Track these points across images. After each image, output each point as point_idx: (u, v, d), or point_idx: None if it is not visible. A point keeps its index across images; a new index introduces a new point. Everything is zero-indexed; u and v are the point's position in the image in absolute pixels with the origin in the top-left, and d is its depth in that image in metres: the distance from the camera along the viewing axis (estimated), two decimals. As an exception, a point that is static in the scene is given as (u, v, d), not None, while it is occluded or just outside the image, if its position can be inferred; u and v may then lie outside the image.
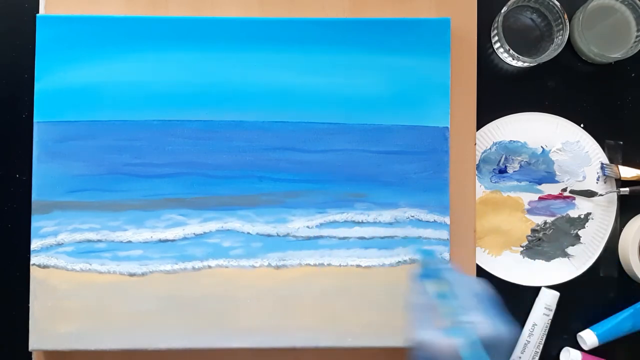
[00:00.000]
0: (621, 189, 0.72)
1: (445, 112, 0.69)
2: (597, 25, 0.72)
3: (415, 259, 0.63)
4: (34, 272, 0.67)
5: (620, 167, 0.72)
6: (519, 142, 0.72)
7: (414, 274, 0.58)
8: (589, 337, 0.71)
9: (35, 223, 0.67)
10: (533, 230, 0.73)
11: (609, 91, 0.74)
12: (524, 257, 0.73)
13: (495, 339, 0.50)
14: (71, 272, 0.67)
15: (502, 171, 0.73)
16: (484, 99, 0.72)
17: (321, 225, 0.69)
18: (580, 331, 0.72)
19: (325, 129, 0.69)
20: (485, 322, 0.50)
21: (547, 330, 0.72)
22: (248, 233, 0.68)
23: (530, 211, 0.73)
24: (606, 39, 0.71)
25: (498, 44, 0.71)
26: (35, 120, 0.67)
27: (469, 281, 0.55)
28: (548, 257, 0.73)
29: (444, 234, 0.68)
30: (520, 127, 0.72)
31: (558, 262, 0.73)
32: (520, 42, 0.72)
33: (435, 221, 0.69)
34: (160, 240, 0.68)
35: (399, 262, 0.68)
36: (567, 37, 0.69)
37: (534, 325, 0.71)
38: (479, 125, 0.72)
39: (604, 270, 0.73)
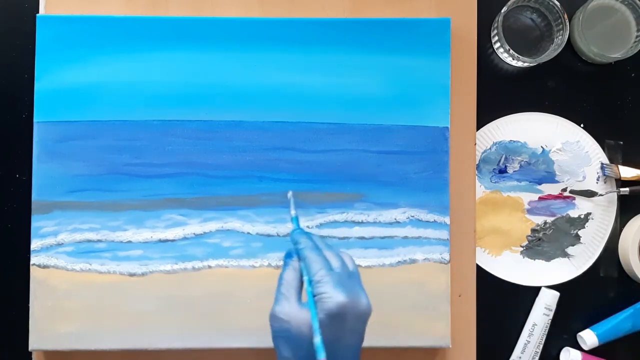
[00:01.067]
0: (621, 189, 0.72)
1: (445, 112, 0.69)
2: (597, 25, 0.72)
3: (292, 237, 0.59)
4: (34, 272, 0.67)
5: (620, 167, 0.72)
6: (519, 142, 0.72)
7: (287, 250, 0.57)
8: (589, 337, 0.71)
9: (35, 223, 0.67)
10: (533, 230, 0.73)
11: (609, 91, 0.74)
12: (524, 257, 0.73)
13: (341, 310, 0.50)
14: (71, 272, 0.67)
15: (502, 171, 0.73)
16: (484, 99, 0.72)
17: (321, 225, 0.69)
18: (580, 331, 0.72)
19: (325, 129, 0.69)
20: (334, 295, 0.50)
21: (547, 330, 0.72)
22: (248, 233, 0.68)
23: (530, 211, 0.73)
24: (606, 39, 0.71)
25: (498, 44, 0.71)
26: (35, 120, 0.67)
27: (333, 255, 0.55)
28: (548, 257, 0.73)
29: (444, 234, 0.68)
30: (520, 127, 0.72)
31: (558, 262, 0.73)
32: (520, 42, 0.72)
33: (435, 221, 0.69)
34: (160, 240, 0.68)
35: (399, 262, 0.68)
36: (567, 37, 0.69)
37: (534, 325, 0.71)
38: (479, 125, 0.72)
39: (604, 270, 0.73)
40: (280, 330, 0.51)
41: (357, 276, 0.55)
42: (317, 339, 0.49)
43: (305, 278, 0.53)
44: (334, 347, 0.50)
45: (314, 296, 0.51)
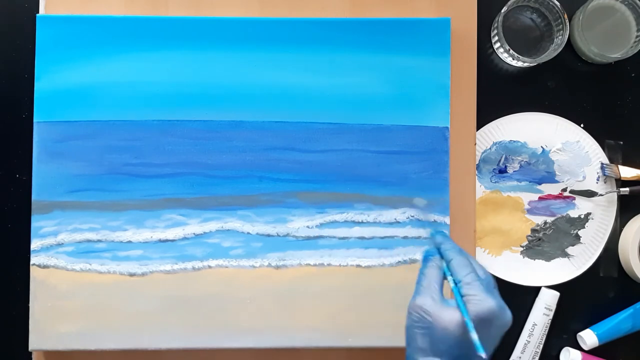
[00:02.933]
0: (621, 189, 0.72)
1: (445, 112, 0.69)
2: (597, 25, 0.72)
3: (428, 237, 0.63)
4: (34, 272, 0.67)
5: (620, 167, 0.72)
6: (519, 142, 0.72)
7: (426, 249, 0.59)
8: (589, 337, 0.71)
9: (35, 223, 0.67)
10: (533, 230, 0.73)
11: (609, 91, 0.74)
12: (524, 257, 0.73)
13: (491, 316, 0.51)
14: (71, 272, 0.67)
15: (502, 171, 0.73)
16: (484, 99, 0.72)
17: (321, 225, 0.69)
18: (580, 331, 0.72)
19: (325, 129, 0.69)
20: (485, 299, 0.52)
21: (547, 330, 0.72)
22: (248, 233, 0.68)
23: (530, 211, 0.73)
24: (606, 39, 0.71)
25: (498, 44, 0.71)
26: (35, 120, 0.67)
27: (476, 264, 0.57)
28: (548, 257, 0.73)
29: (444, 234, 0.68)
30: (520, 127, 0.72)
31: (558, 262, 0.73)
32: (520, 42, 0.72)
33: (435, 221, 0.69)
34: (160, 240, 0.68)
35: (399, 262, 0.68)
36: (567, 37, 0.69)
37: (534, 325, 0.71)
38: (479, 125, 0.72)
39: (604, 270, 0.73)
40: (420, 322, 0.53)
41: (493, 282, 0.56)
42: (475, 336, 0.50)
43: (450, 278, 0.55)
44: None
45: (462, 296, 0.52)
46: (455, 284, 0.54)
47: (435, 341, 0.52)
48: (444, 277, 0.56)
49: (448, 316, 0.52)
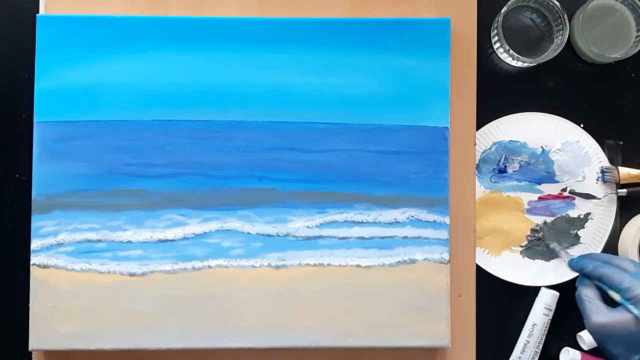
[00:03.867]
0: (619, 190, 0.72)
1: (445, 112, 0.69)
2: (597, 25, 0.72)
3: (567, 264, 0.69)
4: (34, 272, 0.67)
5: (620, 167, 0.72)
6: (518, 142, 0.72)
7: (578, 279, 0.67)
8: (588, 337, 0.71)
9: (35, 223, 0.67)
10: (533, 230, 0.73)
11: (609, 91, 0.74)
12: (523, 257, 0.73)
13: None
14: (71, 272, 0.67)
15: (502, 171, 0.73)
16: (484, 99, 0.72)
17: (321, 225, 0.69)
18: (579, 331, 0.72)
19: (325, 129, 0.69)
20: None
21: (546, 330, 0.72)
22: (248, 233, 0.68)
23: (530, 211, 0.73)
24: (606, 39, 0.71)
25: (498, 44, 0.71)
26: (35, 120, 0.67)
27: (622, 261, 0.63)
28: (548, 257, 0.73)
29: (443, 234, 0.68)
30: (520, 127, 0.72)
31: (558, 262, 0.73)
32: (520, 42, 0.72)
33: (435, 221, 0.69)
34: (160, 240, 0.68)
35: (399, 262, 0.68)
36: (567, 37, 0.69)
37: (534, 325, 0.71)
38: (479, 125, 0.72)
39: (603, 270, 0.73)
40: (605, 336, 0.61)
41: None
42: None
43: (610, 292, 0.62)
44: None
45: (629, 300, 0.60)
46: (617, 292, 0.61)
47: (626, 343, 0.60)
48: (600, 291, 0.63)
49: (623, 320, 0.60)
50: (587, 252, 0.72)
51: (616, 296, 0.61)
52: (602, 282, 0.63)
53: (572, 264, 0.68)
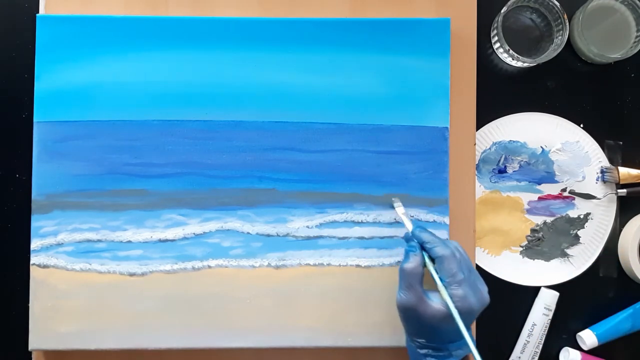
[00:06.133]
0: (619, 191, 0.72)
1: (445, 112, 0.69)
2: (597, 25, 0.72)
3: (407, 234, 0.65)
4: (34, 272, 0.67)
5: (620, 168, 0.72)
6: (518, 142, 0.72)
7: (409, 244, 0.63)
8: (588, 337, 0.71)
9: (35, 223, 0.67)
10: (532, 230, 0.73)
11: (609, 91, 0.74)
12: (523, 257, 0.73)
13: (474, 309, 0.59)
14: (71, 272, 0.67)
15: (502, 171, 0.73)
16: (484, 99, 0.72)
17: (321, 225, 0.69)
18: (579, 331, 0.72)
19: (325, 129, 0.69)
20: (469, 297, 0.59)
21: (546, 330, 0.72)
22: (248, 233, 0.68)
23: (529, 211, 0.73)
24: (606, 39, 0.71)
25: (498, 44, 0.71)
26: (35, 120, 0.67)
27: (459, 253, 0.61)
28: (547, 257, 0.73)
29: (443, 234, 0.68)
30: (520, 127, 0.72)
31: (557, 262, 0.73)
32: (520, 42, 0.72)
33: (435, 221, 0.69)
34: (160, 240, 0.68)
35: (399, 262, 0.68)
36: (567, 37, 0.69)
37: (534, 325, 0.71)
38: (479, 125, 0.72)
39: (603, 270, 0.73)
40: (408, 317, 0.60)
41: (470, 264, 0.62)
42: (467, 334, 0.57)
43: (436, 277, 0.60)
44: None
45: (449, 295, 0.59)
46: (442, 281, 0.59)
47: (423, 329, 0.60)
48: (424, 268, 0.61)
49: (433, 312, 0.59)
50: (590, 251, 0.72)
51: (442, 290, 0.59)
52: (435, 264, 0.61)
53: (416, 232, 0.63)
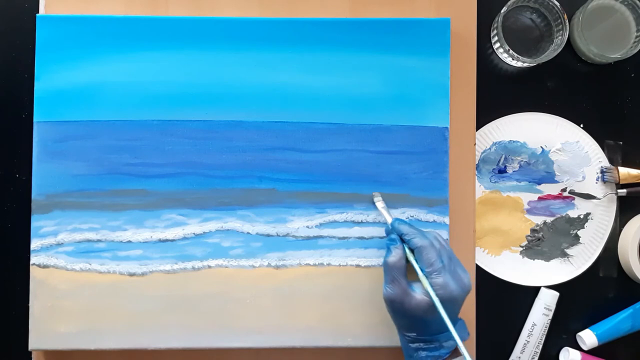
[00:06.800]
0: (619, 191, 0.72)
1: (445, 112, 0.69)
2: (597, 26, 0.72)
3: (389, 224, 0.66)
4: (33, 272, 0.67)
5: (620, 168, 0.72)
6: (518, 142, 0.72)
7: (389, 237, 0.64)
8: (588, 337, 0.71)
9: (35, 223, 0.67)
10: (532, 230, 0.73)
11: (609, 91, 0.74)
12: (523, 257, 0.73)
13: (456, 296, 0.60)
14: (71, 272, 0.67)
15: (502, 171, 0.73)
16: (483, 99, 0.72)
17: (321, 225, 0.69)
18: (579, 331, 0.72)
19: (325, 129, 0.69)
20: (449, 284, 0.60)
21: (546, 330, 0.72)
22: (248, 233, 0.68)
23: (529, 211, 0.73)
24: (606, 39, 0.71)
25: (498, 44, 0.71)
26: (35, 120, 0.67)
27: (438, 243, 0.63)
28: (547, 257, 0.73)
29: (443, 234, 0.68)
30: (520, 127, 0.72)
31: (557, 262, 0.73)
32: (520, 42, 0.72)
33: (434, 221, 0.69)
34: (160, 240, 0.68)
35: (399, 262, 0.68)
36: (566, 37, 0.69)
37: (534, 325, 0.72)
38: (479, 125, 0.72)
39: (603, 270, 0.73)
40: (395, 310, 0.62)
41: (451, 252, 0.63)
42: (449, 323, 0.58)
43: (417, 268, 0.61)
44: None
45: (430, 284, 0.60)
46: (422, 270, 0.61)
47: (411, 321, 0.61)
48: (407, 262, 0.62)
49: (417, 302, 0.60)
50: (590, 251, 0.72)
51: (423, 279, 0.60)
52: (415, 255, 0.62)
53: (395, 224, 0.65)
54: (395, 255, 0.62)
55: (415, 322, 0.61)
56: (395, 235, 0.64)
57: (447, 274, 0.60)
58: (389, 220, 0.66)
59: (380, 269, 0.68)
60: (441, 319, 0.58)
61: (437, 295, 0.59)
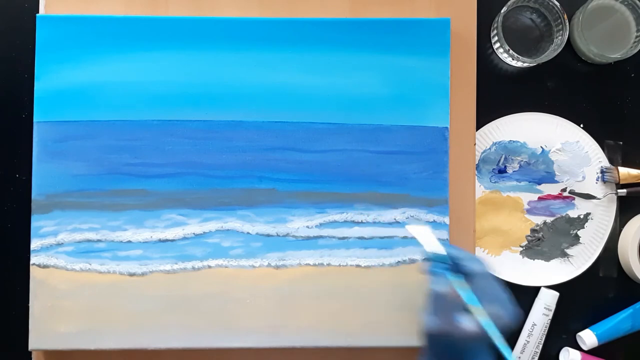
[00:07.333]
0: (619, 191, 0.72)
1: (445, 112, 0.69)
2: (597, 25, 0.72)
3: (429, 254, 0.59)
4: (33, 272, 0.67)
5: (620, 168, 0.72)
6: (518, 142, 0.72)
7: (431, 266, 0.58)
8: (588, 337, 0.71)
9: (35, 223, 0.67)
10: (532, 231, 0.73)
11: (609, 91, 0.74)
12: (523, 257, 0.73)
13: (504, 325, 0.54)
14: (71, 272, 0.67)
15: (502, 171, 0.73)
16: (483, 99, 0.72)
17: (321, 225, 0.69)
18: (579, 331, 0.72)
19: (325, 129, 0.69)
20: (497, 312, 0.54)
21: (546, 330, 0.72)
22: (248, 233, 0.68)
23: (529, 211, 0.73)
24: (606, 39, 0.71)
25: (498, 44, 0.71)
26: (35, 120, 0.67)
27: (482, 272, 0.57)
28: (547, 257, 0.73)
29: (443, 234, 0.68)
30: (520, 127, 0.72)
31: (557, 262, 0.73)
32: (520, 42, 0.72)
33: (434, 221, 0.69)
34: (160, 240, 0.68)
35: (399, 262, 0.68)
36: (566, 37, 0.69)
37: (534, 325, 0.71)
38: (479, 125, 0.72)
39: (603, 270, 0.73)
40: (436, 339, 0.55)
41: (493, 279, 0.57)
42: (509, 354, 0.52)
43: (468, 299, 0.54)
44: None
45: (475, 312, 0.54)
46: (474, 304, 0.54)
47: (451, 353, 0.55)
48: (451, 289, 0.55)
49: (465, 334, 0.53)
50: (590, 251, 0.72)
51: (477, 311, 0.54)
52: (468, 286, 0.56)
53: (446, 247, 0.59)
54: (442, 283, 0.56)
55: (454, 354, 0.55)
56: (439, 262, 0.57)
57: (498, 302, 0.55)
58: (429, 247, 0.59)
59: (380, 269, 0.68)
60: (487, 348, 0.53)
61: (492, 324, 0.53)
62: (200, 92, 0.68)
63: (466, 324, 0.54)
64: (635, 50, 0.70)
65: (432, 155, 0.69)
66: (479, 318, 0.53)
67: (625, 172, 0.72)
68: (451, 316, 0.54)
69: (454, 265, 0.57)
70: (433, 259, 0.58)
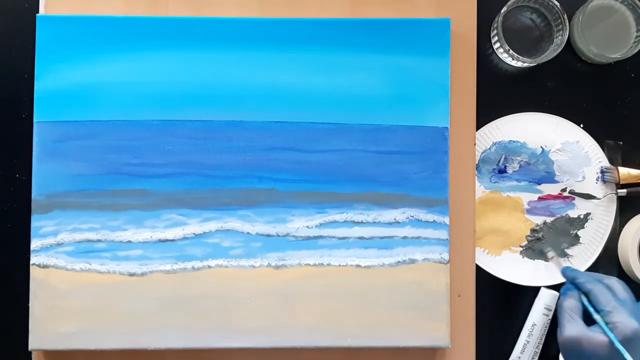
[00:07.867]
0: (619, 191, 0.72)
1: (445, 112, 0.69)
2: (597, 25, 0.72)
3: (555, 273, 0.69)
4: (33, 272, 0.67)
5: (620, 168, 0.72)
6: (518, 142, 0.72)
7: (564, 286, 0.67)
8: (588, 337, 0.71)
9: (35, 223, 0.67)
10: (532, 230, 0.73)
11: (609, 91, 0.74)
12: (523, 257, 0.73)
13: (635, 336, 0.59)
14: (71, 272, 0.67)
15: (502, 171, 0.73)
16: (483, 99, 0.72)
17: (321, 225, 0.69)
18: (579, 331, 0.72)
19: (325, 129, 0.69)
20: (628, 322, 0.59)
21: (546, 330, 0.72)
22: (248, 233, 0.68)
23: (529, 211, 0.73)
24: (606, 39, 0.71)
25: (498, 44, 0.71)
26: (35, 120, 0.68)
27: (616, 284, 0.64)
28: (547, 257, 0.73)
29: (443, 234, 0.68)
30: (520, 127, 0.72)
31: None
32: (520, 42, 0.72)
33: (434, 221, 0.69)
34: (160, 240, 0.68)
35: (399, 262, 0.68)
36: (566, 37, 0.69)
37: (534, 325, 0.71)
38: (479, 125, 0.72)
39: (603, 270, 0.73)
40: (573, 351, 0.61)
41: (627, 290, 0.64)
42: (629, 357, 0.58)
43: (591, 310, 0.63)
44: None
45: (607, 324, 0.60)
46: (598, 312, 0.62)
47: None
48: (583, 307, 0.64)
49: (596, 341, 0.60)
50: (590, 251, 0.72)
51: (598, 317, 0.61)
52: (587, 297, 0.64)
53: (566, 272, 0.68)
54: (569, 297, 0.64)
55: None
56: (568, 283, 0.67)
57: (624, 311, 0.60)
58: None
59: (380, 269, 0.68)
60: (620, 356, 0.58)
61: (617, 332, 0.59)
62: (200, 92, 0.68)
63: (596, 332, 0.60)
64: (635, 50, 0.70)
65: (432, 155, 0.69)
66: (602, 325, 0.60)
67: (625, 172, 0.72)
68: (582, 325, 0.61)
69: (579, 285, 0.65)
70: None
